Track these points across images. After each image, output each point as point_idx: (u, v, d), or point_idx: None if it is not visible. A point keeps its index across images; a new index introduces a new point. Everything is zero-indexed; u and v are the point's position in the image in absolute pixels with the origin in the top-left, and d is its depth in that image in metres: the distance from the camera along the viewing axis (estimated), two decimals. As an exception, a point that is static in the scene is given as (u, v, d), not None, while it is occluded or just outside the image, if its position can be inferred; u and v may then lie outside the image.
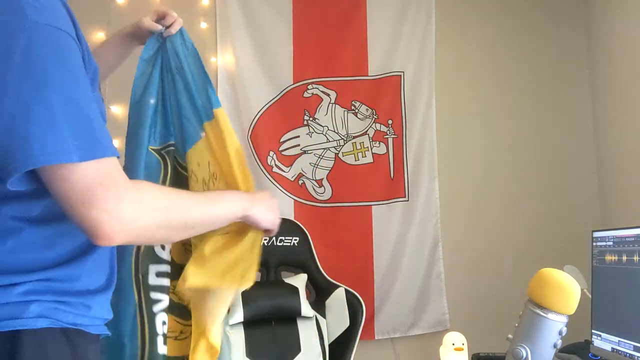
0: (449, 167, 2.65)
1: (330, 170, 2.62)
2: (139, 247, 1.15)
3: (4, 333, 0.76)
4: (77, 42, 0.79)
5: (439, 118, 2.66)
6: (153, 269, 1.16)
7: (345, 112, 2.65)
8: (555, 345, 1.03)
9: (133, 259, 1.14)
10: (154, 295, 1.14)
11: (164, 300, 1.15)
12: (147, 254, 1.15)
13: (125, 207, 0.77)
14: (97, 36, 2.47)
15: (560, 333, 1.02)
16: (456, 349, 2.10)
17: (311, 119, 2.64)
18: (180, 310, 1.21)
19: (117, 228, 0.76)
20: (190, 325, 1.18)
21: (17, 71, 0.71)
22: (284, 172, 2.61)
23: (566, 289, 1.02)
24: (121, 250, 1.07)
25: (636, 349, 1.61)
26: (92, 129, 0.76)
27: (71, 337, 0.82)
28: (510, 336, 1.08)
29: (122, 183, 0.78)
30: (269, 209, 1.12)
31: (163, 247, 1.19)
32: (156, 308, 1.14)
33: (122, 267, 1.09)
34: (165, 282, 1.17)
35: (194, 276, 1.06)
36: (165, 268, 1.18)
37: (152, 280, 1.15)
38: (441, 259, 2.60)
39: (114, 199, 0.75)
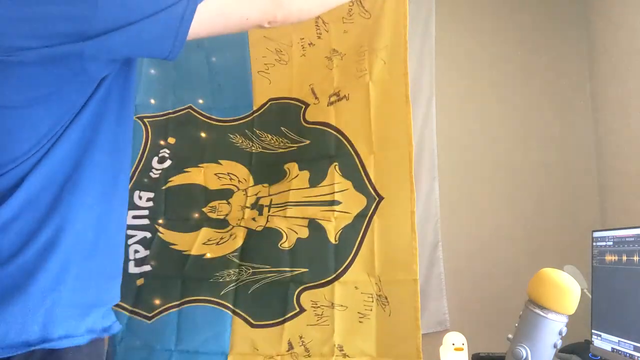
0: (449, 167, 2.65)
1: (330, 170, 2.62)
2: None
3: None
4: None
5: (439, 118, 2.66)
6: (130, 213, 1.46)
7: (345, 112, 2.65)
8: (555, 345, 1.03)
9: None
10: (129, 232, 1.44)
11: (137, 235, 1.45)
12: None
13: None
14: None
15: (560, 333, 1.02)
16: (456, 349, 2.10)
17: (311, 119, 2.63)
18: (219, 223, 1.46)
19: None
20: (227, 232, 1.42)
21: None
22: (284, 172, 2.61)
23: (566, 289, 1.02)
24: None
25: (636, 349, 1.61)
26: None
27: None
28: (510, 336, 1.08)
29: None
30: None
31: (140, 197, 1.48)
32: (130, 241, 1.45)
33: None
34: (143, 222, 1.47)
35: None
36: (142, 212, 1.47)
37: (129, 221, 1.44)
38: (441, 259, 2.59)
39: None
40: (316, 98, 1.45)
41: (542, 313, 1.02)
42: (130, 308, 1.42)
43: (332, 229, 1.37)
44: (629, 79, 2.32)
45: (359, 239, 1.35)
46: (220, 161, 1.52)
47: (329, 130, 1.43)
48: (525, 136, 2.68)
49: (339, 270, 1.34)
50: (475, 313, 2.54)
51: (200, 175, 1.50)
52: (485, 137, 2.68)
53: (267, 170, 1.48)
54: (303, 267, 1.37)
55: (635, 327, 1.64)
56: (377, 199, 1.36)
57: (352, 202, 1.38)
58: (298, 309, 1.36)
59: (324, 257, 1.36)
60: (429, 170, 2.63)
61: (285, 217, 1.41)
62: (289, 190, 1.42)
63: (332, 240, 1.37)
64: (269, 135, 1.49)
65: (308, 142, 1.45)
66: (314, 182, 1.42)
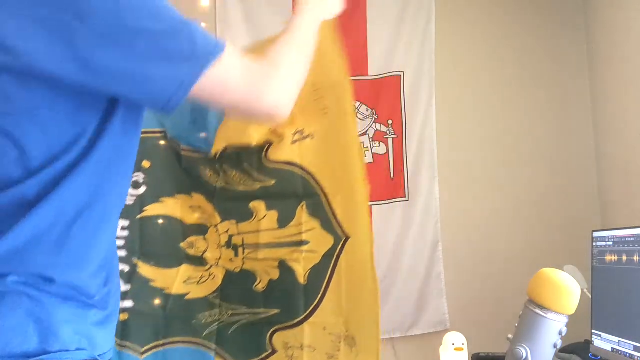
0: (449, 167, 2.65)
1: (330, 170, 2.62)
2: None
3: None
4: None
5: (439, 118, 2.66)
6: None
7: (345, 112, 2.65)
8: (555, 345, 1.03)
9: None
10: None
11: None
12: None
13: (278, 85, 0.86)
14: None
15: (560, 333, 1.02)
16: (456, 349, 2.10)
17: (311, 119, 2.63)
18: (197, 260, 1.41)
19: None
20: (207, 270, 1.39)
21: None
22: (284, 172, 2.60)
23: (566, 289, 1.02)
24: None
25: (636, 349, 1.61)
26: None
27: None
28: (510, 336, 1.08)
29: None
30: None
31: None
32: None
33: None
34: (121, 252, 1.37)
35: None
36: (120, 242, 1.37)
37: None
38: (441, 259, 2.60)
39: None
40: (279, 136, 1.43)
41: (542, 313, 1.02)
42: (119, 342, 1.38)
43: (301, 269, 1.38)
44: (629, 79, 2.32)
45: (326, 279, 1.36)
46: (192, 194, 1.47)
47: (294, 169, 1.42)
48: (525, 136, 2.68)
49: (308, 311, 1.36)
50: (475, 313, 2.54)
51: (176, 207, 1.45)
52: (485, 137, 2.68)
53: (232, 207, 1.46)
54: (275, 308, 1.38)
55: (635, 327, 1.64)
56: (344, 238, 1.37)
57: (319, 242, 1.38)
58: (270, 350, 1.37)
59: (294, 298, 1.37)
60: (429, 170, 2.63)
61: (257, 259, 1.41)
62: (258, 231, 1.41)
63: (301, 281, 1.38)
64: (233, 172, 1.46)
65: (273, 181, 1.44)
66: (282, 222, 1.42)
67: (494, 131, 2.68)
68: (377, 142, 2.64)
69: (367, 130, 2.64)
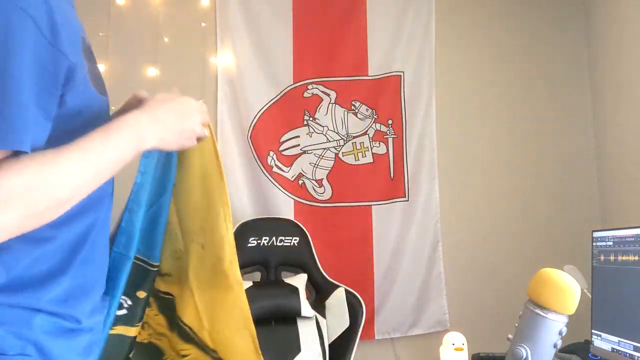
0: (449, 167, 2.65)
1: (330, 170, 2.62)
2: None
3: None
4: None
5: (439, 118, 2.66)
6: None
7: (345, 112, 2.65)
8: (555, 345, 1.03)
9: None
10: None
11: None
12: None
13: None
14: (98, 36, 2.48)
15: (560, 333, 1.02)
16: (456, 349, 2.10)
17: (311, 119, 2.64)
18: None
19: None
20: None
21: None
22: (284, 172, 2.61)
23: (566, 289, 1.02)
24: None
25: (636, 349, 1.61)
26: None
27: None
28: (510, 336, 1.08)
29: None
30: (178, 117, 0.89)
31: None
32: None
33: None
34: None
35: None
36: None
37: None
38: (441, 259, 2.60)
39: None
40: None
41: (542, 313, 1.02)
42: None
43: None
44: (629, 79, 2.32)
45: None
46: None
47: None
48: (525, 136, 2.68)
49: None
50: (475, 313, 2.54)
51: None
52: (485, 137, 2.68)
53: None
54: None
55: (635, 327, 1.64)
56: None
57: None
58: None
59: None
60: (429, 170, 2.63)
61: None
62: None
63: None
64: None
65: None
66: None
67: (494, 131, 2.69)
68: (377, 142, 2.64)
69: (367, 130, 2.64)
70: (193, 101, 0.94)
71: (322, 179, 2.62)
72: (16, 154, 0.68)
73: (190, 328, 1.22)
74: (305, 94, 2.65)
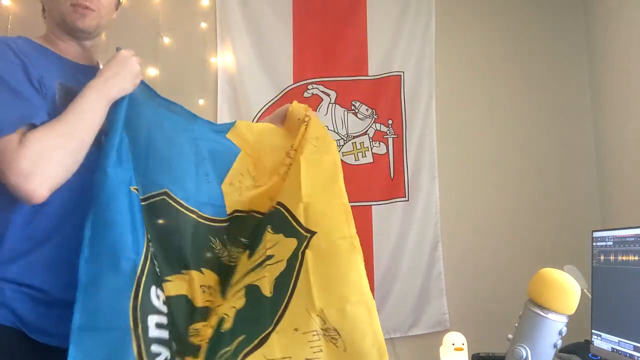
0: (449, 167, 2.65)
1: (330, 170, 2.62)
2: (136, 297, 1.02)
3: None
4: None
5: (439, 118, 2.66)
6: (152, 320, 1.05)
7: (345, 112, 2.65)
8: (555, 345, 1.03)
9: (131, 310, 1.01)
10: (155, 348, 1.04)
11: (164, 353, 1.06)
12: (144, 305, 1.04)
13: (22, 164, 0.96)
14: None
15: (560, 333, 1.02)
16: (456, 349, 2.10)
17: (311, 119, 2.63)
18: (194, 350, 1.17)
19: (29, 185, 0.96)
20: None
21: None
22: (284, 172, 2.60)
23: (566, 289, 1.02)
24: (114, 298, 1.00)
25: (636, 349, 1.61)
26: None
27: None
28: (510, 336, 1.08)
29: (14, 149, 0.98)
30: (120, 66, 1.22)
31: (158, 297, 1.10)
32: None
33: (118, 318, 0.99)
34: (165, 334, 1.09)
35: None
36: (163, 320, 1.10)
37: (152, 332, 1.04)
38: (441, 259, 2.60)
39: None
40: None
41: (542, 313, 1.02)
42: None
43: (266, 283, 1.23)
44: (629, 79, 2.32)
45: (293, 280, 1.21)
46: (203, 270, 1.27)
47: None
48: (525, 136, 2.68)
49: (275, 320, 1.18)
50: (475, 313, 2.54)
51: (184, 285, 1.23)
52: (485, 137, 2.68)
53: (228, 285, 1.31)
54: (240, 335, 1.18)
55: (635, 327, 1.64)
56: (308, 235, 1.24)
57: (283, 250, 1.25)
58: None
59: (259, 314, 1.19)
60: (429, 170, 2.63)
61: (225, 300, 1.26)
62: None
63: (267, 294, 1.22)
64: (234, 248, 1.33)
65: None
66: (251, 254, 1.31)
67: (494, 131, 2.68)
68: (377, 142, 2.64)
69: (367, 130, 2.64)
70: (124, 51, 1.27)
71: (322, 179, 2.62)
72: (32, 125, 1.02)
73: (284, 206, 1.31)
74: (305, 94, 2.65)
